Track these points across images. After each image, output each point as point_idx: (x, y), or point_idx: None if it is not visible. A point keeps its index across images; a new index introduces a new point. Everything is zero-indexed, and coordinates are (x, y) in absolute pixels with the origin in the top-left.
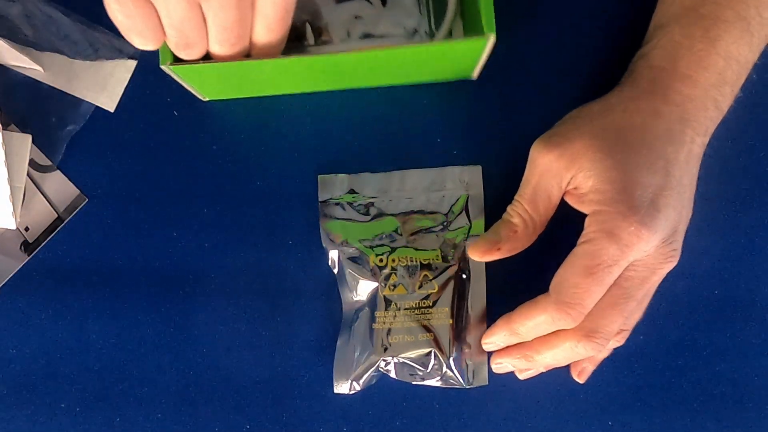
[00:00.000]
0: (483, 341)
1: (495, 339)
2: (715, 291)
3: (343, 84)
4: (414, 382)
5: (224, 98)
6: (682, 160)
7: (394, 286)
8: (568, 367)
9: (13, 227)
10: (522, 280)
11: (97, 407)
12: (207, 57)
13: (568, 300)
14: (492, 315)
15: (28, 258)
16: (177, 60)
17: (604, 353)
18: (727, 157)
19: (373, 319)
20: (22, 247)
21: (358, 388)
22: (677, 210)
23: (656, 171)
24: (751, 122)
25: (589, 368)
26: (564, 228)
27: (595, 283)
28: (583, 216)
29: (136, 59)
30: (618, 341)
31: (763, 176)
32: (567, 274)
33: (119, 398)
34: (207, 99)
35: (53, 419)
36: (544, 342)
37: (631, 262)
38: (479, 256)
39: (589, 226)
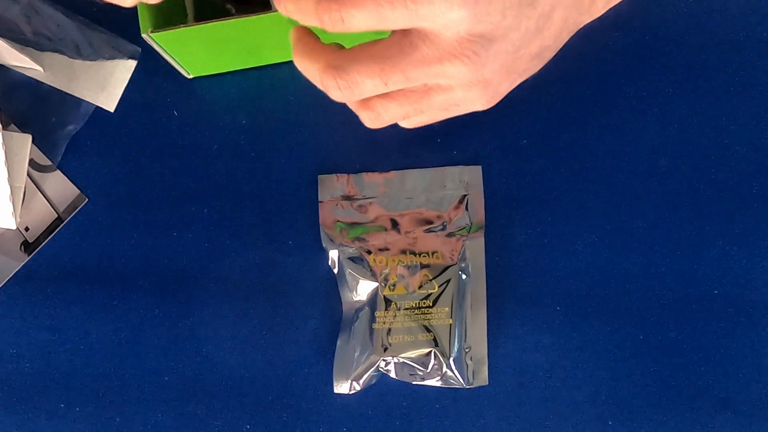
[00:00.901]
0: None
1: None
2: (715, 291)
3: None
4: (414, 382)
5: (209, 74)
6: None
7: (394, 286)
8: (566, 363)
9: (13, 227)
10: (522, 280)
11: (97, 407)
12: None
13: None
14: (492, 315)
15: (28, 258)
16: (157, 28)
17: (377, 116)
18: (724, 156)
19: (373, 319)
20: (22, 247)
21: (358, 388)
22: (513, 12)
23: None
24: (750, 122)
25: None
26: (564, 227)
27: (372, 4)
28: (584, 218)
29: (136, 59)
30: (391, 113)
31: (762, 175)
32: None
33: (119, 398)
34: (192, 76)
35: (53, 419)
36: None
37: (425, 27)
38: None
39: None
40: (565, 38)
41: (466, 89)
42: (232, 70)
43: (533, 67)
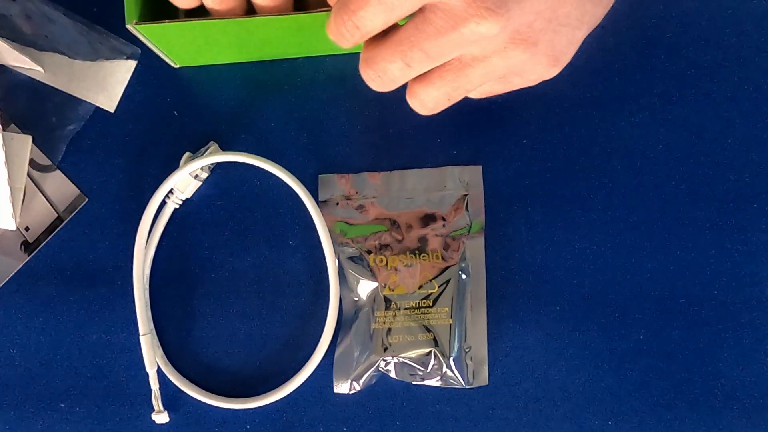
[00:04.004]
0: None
1: None
2: (715, 291)
3: (321, 48)
4: (414, 382)
5: (195, 64)
6: None
7: (394, 286)
8: (566, 363)
9: (13, 228)
10: (522, 280)
11: (98, 407)
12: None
13: (345, 3)
14: (492, 315)
15: (28, 258)
16: (142, 20)
17: (423, 95)
18: (724, 156)
19: (373, 319)
20: (22, 247)
21: (358, 388)
22: None
23: None
24: (750, 121)
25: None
26: (564, 227)
27: None
28: (584, 218)
29: (136, 59)
30: (422, 95)
31: (761, 175)
32: None
33: (120, 398)
34: (178, 65)
35: (53, 419)
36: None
37: (435, 2)
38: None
39: None
40: None
41: (502, 54)
42: (221, 63)
43: (590, 12)
